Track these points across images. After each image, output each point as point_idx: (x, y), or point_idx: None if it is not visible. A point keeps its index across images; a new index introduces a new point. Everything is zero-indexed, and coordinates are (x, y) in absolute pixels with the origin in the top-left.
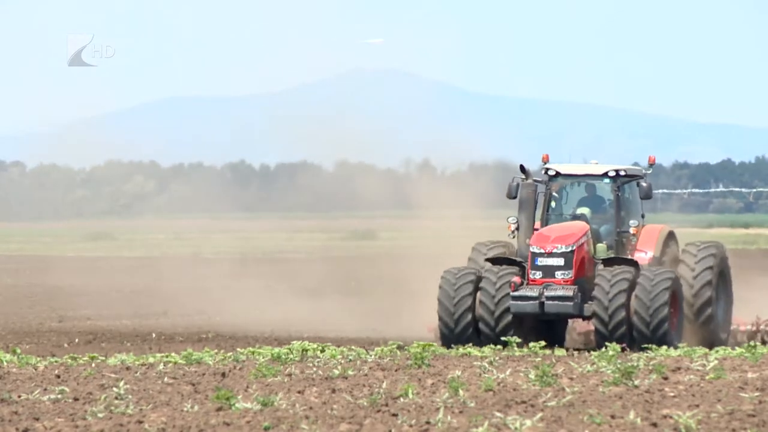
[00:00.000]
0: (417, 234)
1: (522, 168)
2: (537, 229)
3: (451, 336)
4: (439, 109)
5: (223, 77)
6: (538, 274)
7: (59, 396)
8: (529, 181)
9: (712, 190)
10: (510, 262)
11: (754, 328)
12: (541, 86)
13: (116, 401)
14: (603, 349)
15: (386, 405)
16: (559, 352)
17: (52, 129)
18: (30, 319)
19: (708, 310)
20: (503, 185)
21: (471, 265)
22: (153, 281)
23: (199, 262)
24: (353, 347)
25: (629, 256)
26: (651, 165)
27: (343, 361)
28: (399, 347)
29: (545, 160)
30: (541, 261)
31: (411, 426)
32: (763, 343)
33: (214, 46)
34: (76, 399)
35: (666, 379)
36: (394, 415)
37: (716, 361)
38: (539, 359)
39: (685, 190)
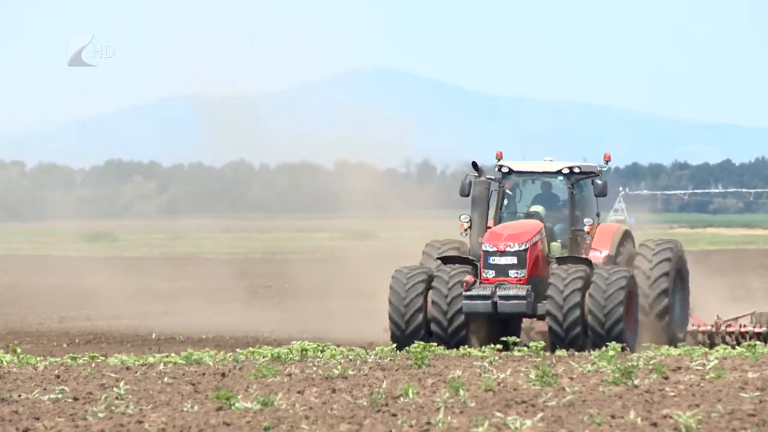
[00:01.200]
0: (419, 234)
1: (475, 165)
2: (490, 228)
3: (402, 337)
4: (439, 109)
5: (223, 77)
6: (491, 273)
7: (59, 396)
8: (482, 178)
9: (712, 190)
10: (462, 261)
11: (714, 329)
12: (541, 86)
13: (116, 401)
14: (603, 349)
15: (386, 405)
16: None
17: (52, 129)
18: (30, 319)
19: (664, 301)
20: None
21: (423, 264)
22: (153, 281)
23: (201, 262)
24: (353, 347)
25: (584, 255)
26: (607, 162)
27: (343, 361)
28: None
29: (498, 158)
30: (494, 260)
31: (411, 426)
32: (725, 343)
33: (214, 46)
34: (76, 399)
35: (666, 378)
36: (394, 415)
37: (716, 361)
38: (539, 359)
39: (685, 191)
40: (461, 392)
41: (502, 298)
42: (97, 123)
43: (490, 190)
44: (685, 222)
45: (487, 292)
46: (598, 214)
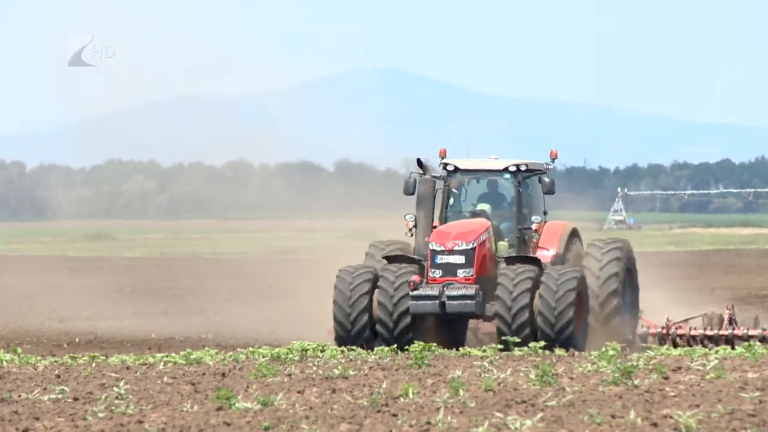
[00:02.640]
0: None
1: (419, 163)
2: (436, 227)
3: (347, 337)
4: (439, 109)
5: (223, 77)
6: (438, 273)
7: (59, 396)
8: (428, 176)
9: (712, 190)
10: (408, 260)
11: (665, 331)
12: (541, 86)
13: (116, 401)
14: (602, 349)
15: (386, 405)
16: (560, 351)
17: (52, 129)
18: (30, 319)
19: (614, 302)
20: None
21: (368, 264)
22: (153, 281)
23: (201, 262)
24: (353, 348)
25: (532, 254)
26: (553, 159)
27: (343, 361)
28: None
29: (443, 155)
30: (442, 259)
31: (411, 426)
32: (675, 346)
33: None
34: (76, 399)
35: (666, 378)
36: (394, 415)
37: (716, 361)
38: (539, 359)
39: (685, 191)
40: (461, 392)
41: (450, 298)
42: (97, 123)
43: (436, 189)
44: (685, 222)
45: (435, 292)
46: (545, 212)
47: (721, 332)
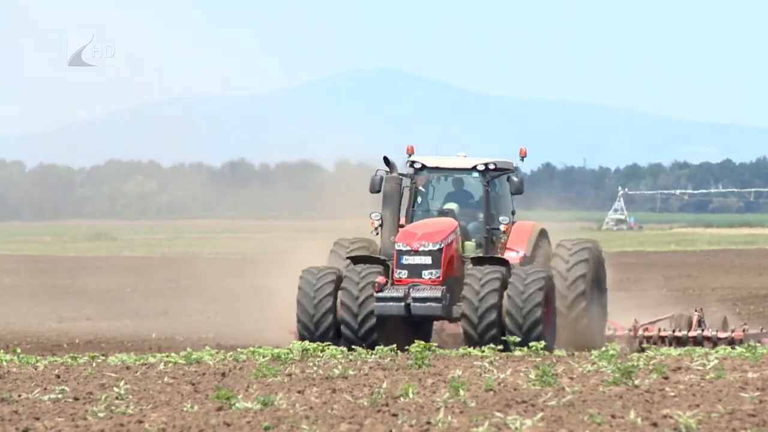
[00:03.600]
0: None
1: (386, 160)
2: (402, 226)
3: (310, 338)
4: (439, 109)
5: (223, 77)
6: (404, 274)
7: (59, 396)
8: (394, 174)
9: (712, 190)
10: (373, 260)
11: (632, 333)
12: (541, 86)
13: (116, 401)
14: (602, 349)
15: (386, 405)
16: (559, 352)
17: (52, 129)
18: (30, 319)
19: (582, 304)
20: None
21: (331, 264)
22: (153, 281)
23: (201, 262)
24: (354, 348)
25: (500, 255)
26: (522, 158)
27: (343, 361)
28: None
29: (410, 152)
30: (407, 259)
31: (411, 426)
32: (641, 350)
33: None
34: (76, 399)
35: (666, 378)
36: (395, 415)
37: (716, 361)
38: (539, 359)
39: (685, 191)
40: (461, 392)
41: (416, 300)
42: (98, 123)
43: (402, 187)
44: (685, 222)
45: (400, 294)
46: (513, 212)
47: (690, 334)
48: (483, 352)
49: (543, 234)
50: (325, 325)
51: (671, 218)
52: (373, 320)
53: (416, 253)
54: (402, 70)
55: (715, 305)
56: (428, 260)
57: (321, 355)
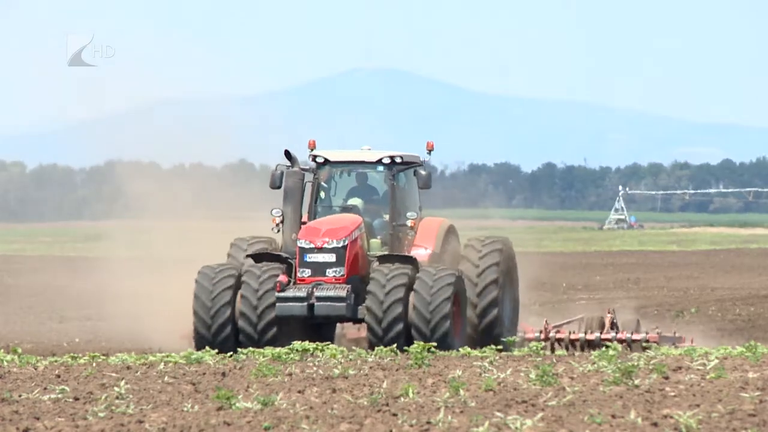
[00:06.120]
0: None
1: (287, 154)
2: (305, 223)
3: (207, 337)
4: (439, 109)
5: (224, 77)
6: (307, 272)
7: (60, 395)
8: (295, 169)
9: (713, 190)
10: (275, 258)
11: (543, 335)
12: (541, 86)
13: (117, 401)
14: (602, 349)
15: (387, 405)
16: (560, 352)
17: (52, 129)
18: (30, 319)
19: (493, 312)
20: (502, 185)
21: (230, 262)
22: (154, 281)
23: (201, 262)
24: (354, 348)
25: (406, 253)
26: (430, 151)
27: (343, 361)
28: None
29: (312, 147)
30: (311, 257)
31: (411, 426)
32: (552, 351)
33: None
34: (76, 398)
35: (666, 378)
36: (395, 414)
37: (717, 361)
38: (539, 359)
39: (685, 191)
40: (461, 392)
41: (319, 299)
42: (97, 123)
43: (304, 182)
44: (686, 222)
45: (303, 294)
46: (420, 208)
47: (603, 336)
48: (483, 352)
49: (451, 231)
50: (224, 324)
51: (672, 218)
52: (273, 320)
53: (320, 250)
54: (402, 70)
55: (715, 305)
56: (332, 258)
57: (321, 355)
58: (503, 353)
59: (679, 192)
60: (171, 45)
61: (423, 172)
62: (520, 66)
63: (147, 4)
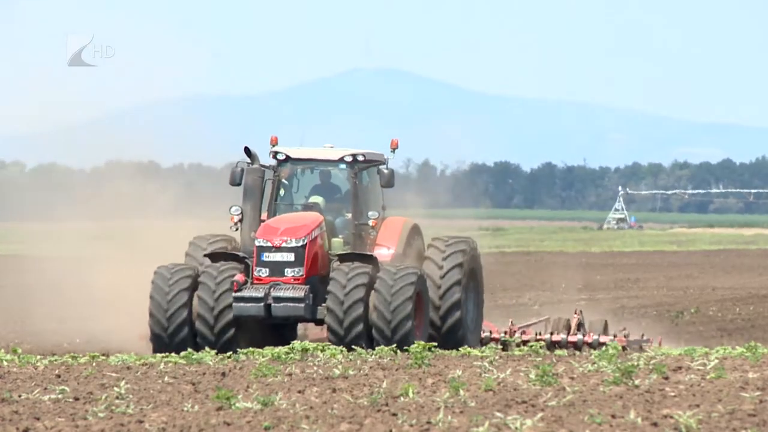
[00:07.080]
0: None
1: (247, 151)
2: (264, 221)
3: (164, 336)
4: (439, 109)
5: (224, 77)
6: (265, 272)
7: (60, 395)
8: (256, 165)
9: (713, 190)
10: (232, 257)
11: (508, 336)
12: (541, 86)
13: (117, 401)
14: (602, 349)
15: (386, 405)
16: (560, 352)
17: (52, 129)
18: (30, 319)
19: (456, 314)
20: (503, 185)
21: (188, 262)
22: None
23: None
24: (354, 348)
25: (369, 252)
26: (394, 149)
27: (343, 361)
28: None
29: (273, 143)
30: (268, 256)
31: (411, 426)
32: (504, 349)
33: (214, 46)
34: (76, 398)
35: (666, 378)
36: (395, 414)
37: (717, 361)
38: (539, 359)
39: (685, 191)
40: (461, 392)
41: (276, 300)
42: (98, 123)
43: (265, 179)
44: (685, 222)
45: (260, 294)
46: (383, 207)
47: (570, 338)
48: (483, 352)
49: (415, 230)
50: (180, 324)
51: (672, 218)
52: (231, 321)
53: (278, 249)
54: (402, 70)
55: (716, 305)
56: (291, 257)
57: (321, 354)
58: (504, 353)
59: (679, 192)
60: (171, 45)
61: (386, 171)
62: (520, 66)
63: (147, 4)
